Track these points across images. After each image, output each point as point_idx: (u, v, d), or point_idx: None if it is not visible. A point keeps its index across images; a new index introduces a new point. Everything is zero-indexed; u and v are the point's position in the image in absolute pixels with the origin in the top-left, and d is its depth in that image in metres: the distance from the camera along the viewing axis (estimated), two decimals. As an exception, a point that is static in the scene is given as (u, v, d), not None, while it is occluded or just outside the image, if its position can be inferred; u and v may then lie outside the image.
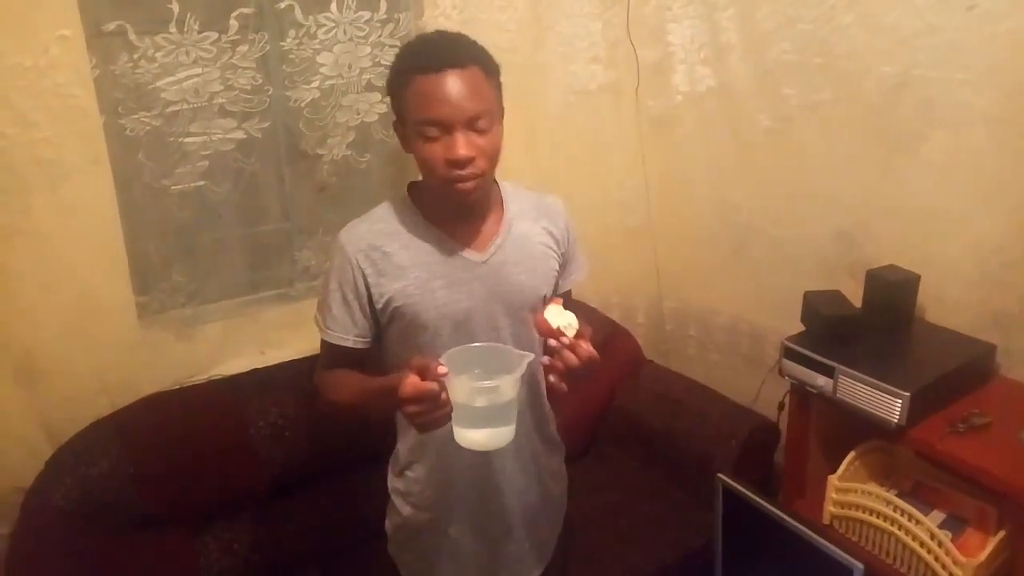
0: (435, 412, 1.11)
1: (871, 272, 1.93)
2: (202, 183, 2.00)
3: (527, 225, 1.38)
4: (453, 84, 1.18)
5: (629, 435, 2.49)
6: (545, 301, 1.30)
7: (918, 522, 1.72)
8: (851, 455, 1.91)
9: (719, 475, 1.71)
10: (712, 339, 2.66)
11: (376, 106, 2.17)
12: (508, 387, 1.15)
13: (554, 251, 1.41)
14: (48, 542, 1.75)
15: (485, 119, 1.21)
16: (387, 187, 2.27)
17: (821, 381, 1.83)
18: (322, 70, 2.07)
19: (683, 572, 2.05)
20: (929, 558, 1.68)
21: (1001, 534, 1.65)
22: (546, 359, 1.21)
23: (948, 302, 1.95)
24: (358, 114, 2.15)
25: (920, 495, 1.87)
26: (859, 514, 1.84)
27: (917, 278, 1.91)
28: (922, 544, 1.70)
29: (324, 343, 1.34)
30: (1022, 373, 1.84)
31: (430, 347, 1.26)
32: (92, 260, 1.89)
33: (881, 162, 2.01)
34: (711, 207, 2.51)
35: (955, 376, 1.78)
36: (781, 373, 1.97)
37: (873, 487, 1.86)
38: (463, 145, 1.19)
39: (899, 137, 1.96)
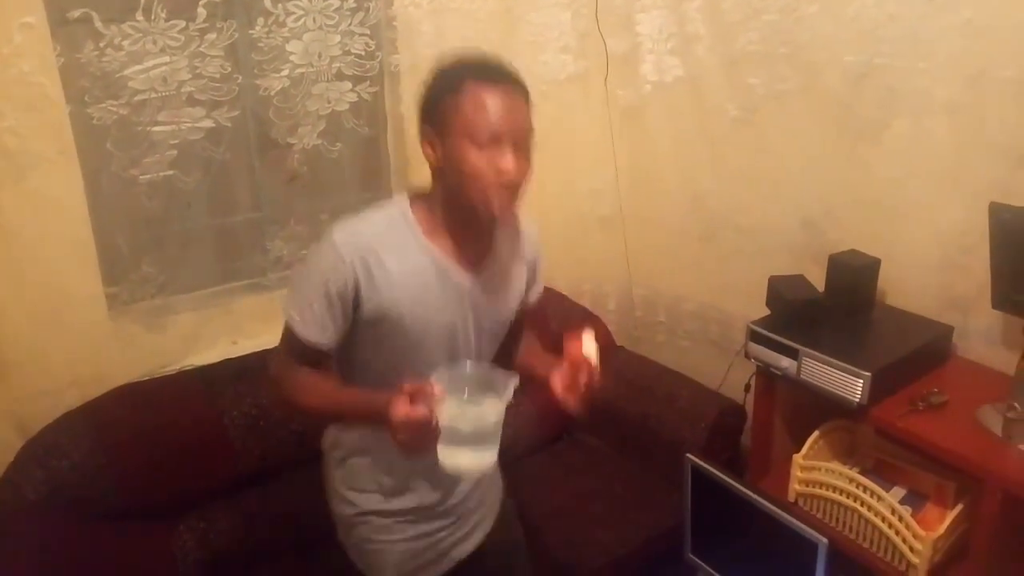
0: (424, 439, 1.12)
1: (833, 257, 1.98)
2: (171, 173, 1.99)
3: (508, 251, 1.39)
4: (511, 100, 1.19)
5: (602, 420, 2.52)
6: (569, 333, 1.32)
7: (880, 498, 1.77)
8: (815, 434, 1.97)
9: (688, 456, 1.75)
10: (681, 325, 2.70)
11: (347, 95, 2.17)
12: (493, 411, 1.16)
13: (525, 277, 1.44)
14: (19, 535, 1.74)
15: (529, 144, 1.22)
16: (358, 176, 2.27)
17: (785, 363, 1.88)
18: (292, 58, 2.06)
19: (656, 551, 2.09)
20: (890, 532, 1.74)
21: (959, 508, 1.71)
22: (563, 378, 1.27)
23: (908, 286, 2.00)
24: (328, 103, 2.15)
25: (881, 472, 1.93)
26: (823, 491, 1.89)
27: (878, 262, 1.96)
28: (884, 519, 1.75)
29: (293, 338, 1.28)
30: (978, 354, 1.90)
31: (407, 355, 1.28)
32: (60, 251, 1.87)
33: (845, 150, 2.06)
34: (680, 196, 2.55)
35: (914, 357, 1.84)
36: (747, 356, 2.01)
37: (836, 465, 1.92)
38: (513, 161, 1.18)
39: (862, 125, 2.00)
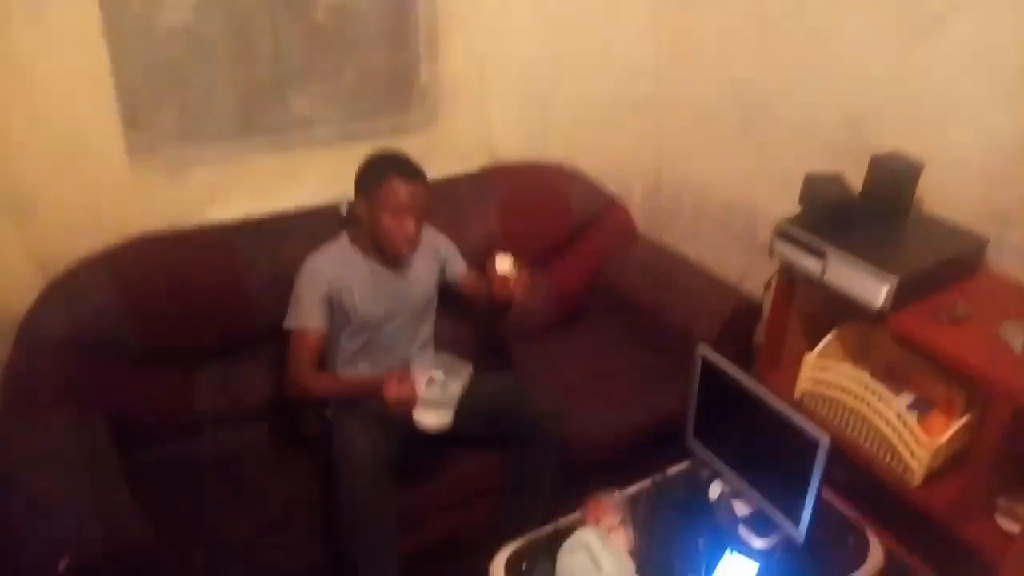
0: (407, 408, 1.73)
1: (875, 157, 1.90)
2: (192, 19, 1.90)
3: (420, 255, 2.01)
4: (415, 189, 1.85)
5: (616, 306, 2.53)
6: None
7: (886, 401, 1.78)
8: (830, 335, 1.96)
9: (699, 347, 1.75)
10: (707, 216, 2.65)
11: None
12: (454, 389, 1.74)
13: (435, 268, 2.10)
14: (43, 372, 1.80)
15: (423, 213, 1.90)
16: (385, 34, 2.18)
17: (810, 263, 1.84)
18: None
19: (658, 435, 2.14)
20: (893, 436, 1.76)
21: (965, 418, 1.71)
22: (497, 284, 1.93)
23: (948, 193, 1.93)
24: (360, -48, 2.03)
25: (892, 377, 1.94)
26: (830, 391, 1.91)
27: (920, 166, 1.88)
28: (888, 423, 1.77)
29: (302, 343, 1.87)
30: (1011, 268, 1.85)
31: (365, 331, 1.96)
32: (79, 94, 1.83)
33: (900, 45, 1.94)
34: (721, 80, 2.43)
35: (944, 266, 1.80)
36: (771, 254, 1.97)
37: (847, 367, 1.92)
38: (412, 226, 1.87)
39: (921, 19, 1.87)
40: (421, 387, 1.72)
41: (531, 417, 1.96)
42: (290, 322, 1.89)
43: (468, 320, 2.27)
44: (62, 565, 1.33)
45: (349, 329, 1.95)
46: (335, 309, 1.91)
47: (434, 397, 1.73)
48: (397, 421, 1.77)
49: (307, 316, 1.88)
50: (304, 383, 1.87)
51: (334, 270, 1.89)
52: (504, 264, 1.90)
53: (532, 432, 1.95)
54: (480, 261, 2.18)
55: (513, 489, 1.99)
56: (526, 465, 1.96)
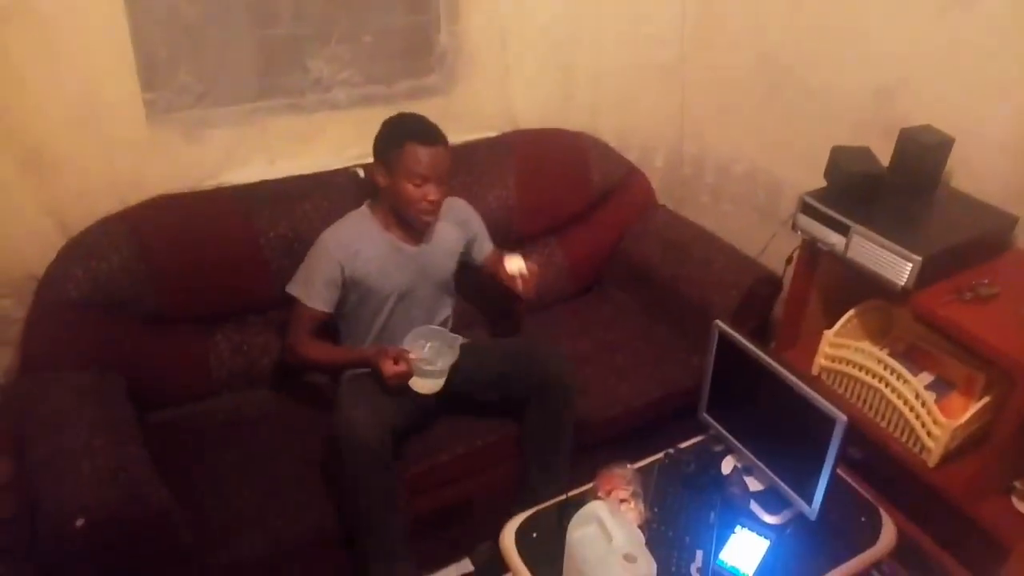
0: (403, 382, 1.79)
1: (905, 131, 1.85)
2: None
3: (445, 224, 1.98)
4: (436, 153, 1.80)
5: (633, 277, 2.51)
6: (490, 258, 2.08)
7: (905, 381, 1.76)
8: (850, 313, 1.93)
9: (716, 321, 1.73)
10: (729, 188, 2.61)
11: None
12: (446, 361, 1.83)
13: (461, 238, 2.04)
14: (62, 331, 1.82)
15: (447, 177, 1.86)
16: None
17: (834, 239, 1.81)
18: None
19: (671, 408, 2.14)
20: (911, 416, 1.74)
21: (985, 400, 1.69)
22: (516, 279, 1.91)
23: (978, 169, 1.88)
24: (380, -90, 1.98)
25: (912, 357, 1.91)
26: (849, 369, 1.89)
27: (951, 141, 1.83)
28: (906, 402, 1.75)
29: (303, 313, 1.87)
30: (1040, 248, 1.82)
31: (379, 307, 1.93)
32: (97, 52, 1.82)
33: (933, 14, 1.88)
34: (749, 47, 2.38)
35: (971, 244, 1.76)
36: (794, 228, 1.94)
37: (867, 345, 1.89)
38: (435, 192, 1.83)
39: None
40: (415, 361, 1.79)
41: (541, 373, 1.92)
42: (295, 290, 1.88)
43: (481, 290, 2.26)
44: (79, 523, 1.35)
45: (367, 304, 1.93)
46: (350, 286, 1.88)
47: (427, 368, 1.81)
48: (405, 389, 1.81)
49: (311, 296, 1.86)
50: (301, 351, 1.88)
51: (349, 247, 1.86)
52: (514, 264, 1.91)
53: (544, 388, 1.91)
54: (499, 235, 2.17)
55: (531, 452, 1.96)
56: (541, 426, 1.94)
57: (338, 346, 1.99)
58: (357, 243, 1.87)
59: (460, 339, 1.88)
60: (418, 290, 1.96)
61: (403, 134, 1.80)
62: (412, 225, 1.90)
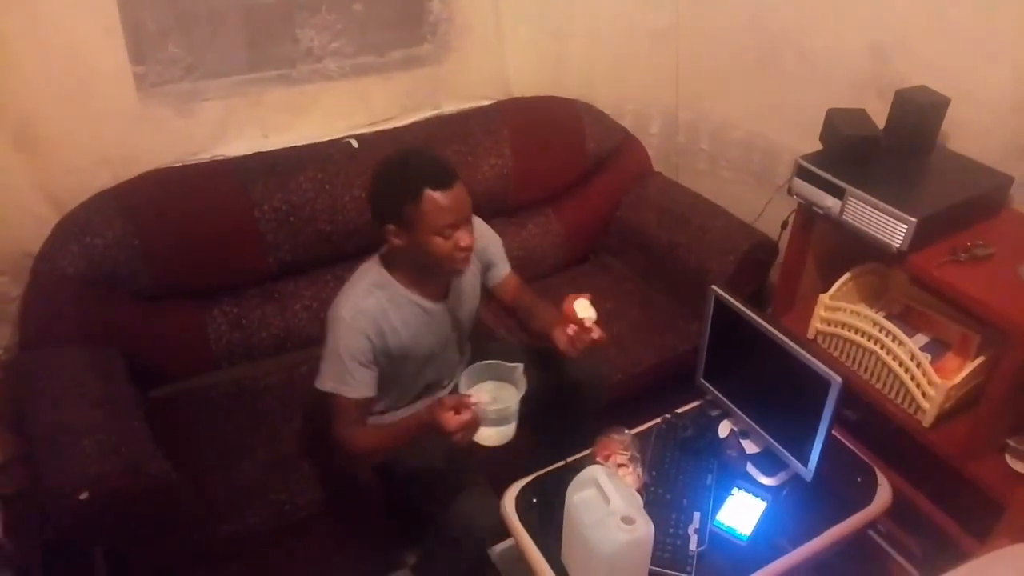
0: (471, 434, 1.50)
1: (900, 92, 1.84)
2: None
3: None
4: (458, 195, 1.54)
5: (630, 245, 2.51)
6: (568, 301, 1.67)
7: (900, 343, 1.77)
8: (846, 276, 1.94)
9: (712, 286, 1.73)
10: (724, 154, 2.60)
11: None
12: (512, 401, 1.55)
13: (476, 276, 1.80)
14: (59, 308, 1.82)
15: (471, 212, 1.61)
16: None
17: (829, 202, 1.81)
18: None
19: (668, 374, 2.15)
20: (906, 377, 1.75)
21: (980, 360, 1.70)
22: (571, 330, 1.64)
23: (974, 129, 1.87)
24: None
25: (907, 318, 1.92)
26: (844, 331, 1.89)
27: (947, 102, 1.82)
28: (901, 364, 1.76)
29: (347, 406, 1.61)
30: (1035, 208, 1.81)
31: (415, 366, 1.72)
32: (85, 25, 1.80)
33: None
34: (741, 10, 2.35)
35: (966, 205, 1.76)
36: (790, 192, 1.94)
37: (862, 308, 1.90)
38: (467, 236, 1.58)
39: (957, -59, 1.78)
40: (479, 406, 1.50)
41: (571, 387, 1.84)
42: (329, 385, 1.60)
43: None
44: (83, 496, 1.37)
45: (403, 368, 1.71)
46: (380, 356, 1.63)
47: (493, 415, 1.53)
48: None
49: (351, 386, 1.60)
50: (358, 445, 1.63)
51: (375, 322, 1.60)
52: (586, 311, 1.62)
53: (572, 401, 1.86)
54: (494, 205, 2.14)
55: (547, 440, 1.89)
56: (562, 425, 1.88)
57: (387, 424, 1.72)
58: (382, 314, 1.62)
59: (520, 366, 1.62)
60: (451, 341, 1.79)
61: (417, 183, 1.52)
62: (441, 276, 1.69)
